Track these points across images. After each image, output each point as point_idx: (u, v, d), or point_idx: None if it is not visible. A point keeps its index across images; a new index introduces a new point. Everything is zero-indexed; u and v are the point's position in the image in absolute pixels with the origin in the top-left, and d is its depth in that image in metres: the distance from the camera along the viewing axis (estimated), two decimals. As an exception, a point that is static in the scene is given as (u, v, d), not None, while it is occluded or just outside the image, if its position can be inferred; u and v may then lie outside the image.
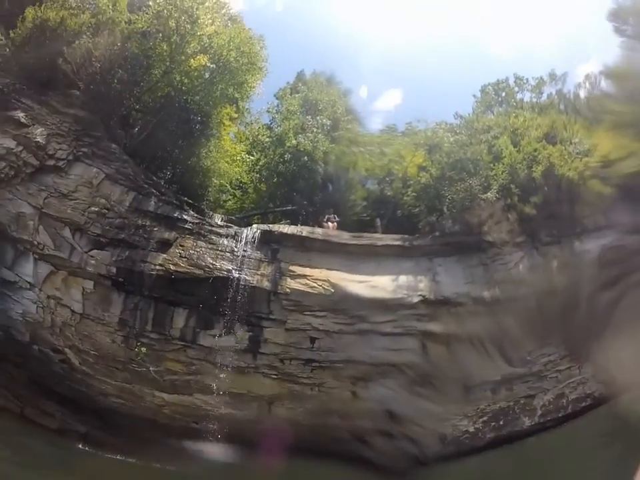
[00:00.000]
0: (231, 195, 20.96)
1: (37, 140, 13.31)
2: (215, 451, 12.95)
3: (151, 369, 13.22)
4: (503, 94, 24.20)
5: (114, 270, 13.49)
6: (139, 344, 13.26)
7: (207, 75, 17.49)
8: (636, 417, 11.45)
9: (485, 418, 14.48)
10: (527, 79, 24.75)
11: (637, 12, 17.19)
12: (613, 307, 14.49)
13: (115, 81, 15.43)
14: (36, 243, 13.17)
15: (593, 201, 15.79)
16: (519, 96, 24.49)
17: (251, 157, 21.35)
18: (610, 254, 15.10)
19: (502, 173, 16.44)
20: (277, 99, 23.56)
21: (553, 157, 16.14)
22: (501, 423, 14.47)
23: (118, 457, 12.31)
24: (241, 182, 20.98)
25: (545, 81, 24.06)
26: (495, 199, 15.77)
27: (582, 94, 22.54)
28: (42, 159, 13.42)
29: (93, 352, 13.20)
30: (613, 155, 16.10)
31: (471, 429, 14.36)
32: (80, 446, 12.53)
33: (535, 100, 23.89)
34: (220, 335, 13.64)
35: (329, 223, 16.98)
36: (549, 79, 24.04)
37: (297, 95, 22.05)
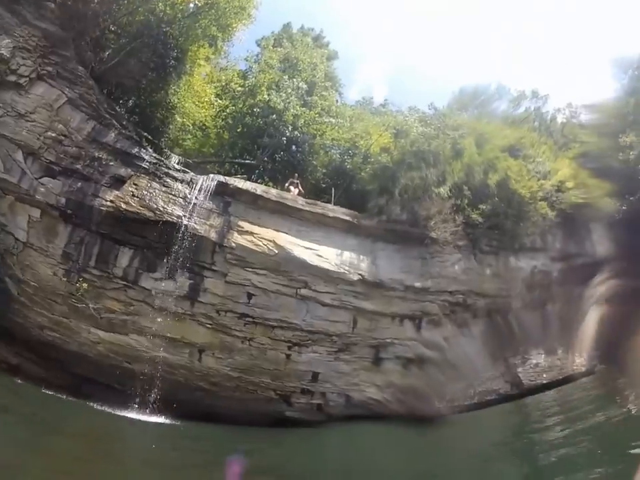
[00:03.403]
0: (191, 134, 20.34)
1: (1, 52, 12.29)
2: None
3: (90, 305, 13.14)
4: (482, 97, 24.26)
5: (63, 201, 13.05)
6: (80, 279, 13.08)
7: (191, 9, 16.65)
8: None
9: (392, 389, 15.39)
10: (509, 89, 25.37)
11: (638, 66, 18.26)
12: (537, 327, 15.85)
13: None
14: (-15, 164, 12.55)
15: (536, 221, 16.77)
16: (496, 103, 24.86)
17: (220, 102, 20.77)
18: (538, 276, 16.31)
19: (459, 171, 16.89)
20: (258, 46, 22.81)
21: (511, 171, 16.76)
22: (410, 399, 15.29)
23: (51, 393, 12.42)
24: (204, 125, 20.39)
25: (526, 96, 24.59)
26: (446, 196, 16.29)
27: (559, 119, 23.58)
28: (3, 74, 12.44)
29: (32, 283, 12.95)
30: (568, 183, 17.21)
31: (377, 397, 15.27)
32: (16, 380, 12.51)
33: (511, 111, 24.43)
34: (162, 279, 13.65)
35: (292, 187, 16.95)
36: (530, 94, 24.62)
37: (278, 49, 21.40)
